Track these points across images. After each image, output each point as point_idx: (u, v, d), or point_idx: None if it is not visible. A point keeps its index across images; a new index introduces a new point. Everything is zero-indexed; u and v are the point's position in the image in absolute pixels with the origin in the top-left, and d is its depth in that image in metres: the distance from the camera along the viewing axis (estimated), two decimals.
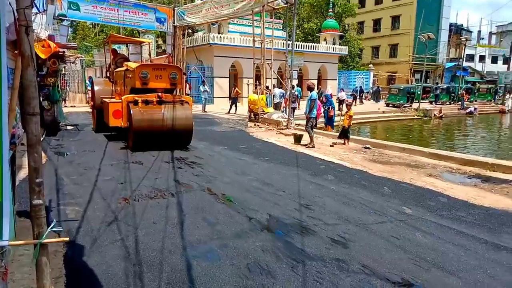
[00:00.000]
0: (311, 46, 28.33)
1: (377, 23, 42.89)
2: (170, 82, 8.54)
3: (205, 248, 3.42)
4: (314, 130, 10.12)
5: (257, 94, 15.73)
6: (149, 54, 16.57)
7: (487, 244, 3.67)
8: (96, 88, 11.15)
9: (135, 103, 8.04)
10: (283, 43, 24.82)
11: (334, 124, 14.29)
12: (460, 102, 30.93)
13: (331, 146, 10.06)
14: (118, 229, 3.86)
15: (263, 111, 15.40)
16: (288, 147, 9.67)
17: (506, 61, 55.48)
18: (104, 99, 9.82)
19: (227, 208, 4.52)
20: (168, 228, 3.89)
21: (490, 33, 65.22)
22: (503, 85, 37.12)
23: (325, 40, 30.68)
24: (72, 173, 6.15)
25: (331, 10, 31.67)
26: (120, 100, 8.58)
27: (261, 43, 16.10)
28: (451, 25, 45.96)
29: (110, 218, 4.16)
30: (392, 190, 5.65)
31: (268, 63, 16.17)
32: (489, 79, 48.94)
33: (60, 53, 10.97)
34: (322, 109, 13.10)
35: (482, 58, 53.13)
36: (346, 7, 34.50)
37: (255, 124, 14.47)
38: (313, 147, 9.60)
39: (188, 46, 22.40)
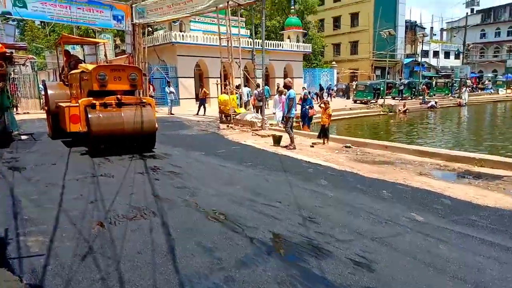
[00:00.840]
0: (275, 44, 28.05)
1: (337, 21, 43.50)
2: (130, 83, 8.20)
3: (207, 285, 2.82)
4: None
5: (227, 94, 15.12)
6: (105, 55, 15.48)
7: None
8: (50, 92, 10.39)
9: (93, 106, 7.69)
10: (248, 41, 24.38)
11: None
12: (421, 97, 31.95)
13: (312, 146, 9.69)
14: (96, 264, 3.16)
15: (235, 111, 14.82)
16: (268, 149, 9.17)
17: (458, 56, 58.45)
18: (59, 104, 9.31)
19: (222, 227, 3.93)
20: (157, 259, 3.24)
21: (442, 30, 68.59)
22: (459, 79, 38.82)
23: (288, 38, 30.53)
24: (32, 192, 5.28)
25: (292, 7, 31.58)
26: (77, 104, 8.09)
27: (228, 41, 15.50)
28: (406, 22, 47.56)
29: (83, 249, 3.44)
30: (391, 193, 5.30)
31: (236, 62, 15.60)
32: (444, 73, 51.27)
33: (7, 54, 9.80)
34: (299, 108, 12.76)
35: (436, 54, 55.60)
36: (307, 4, 34.58)
37: (227, 126, 13.86)
38: (294, 148, 9.17)
39: (149, 45, 21.31)
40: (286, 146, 9.38)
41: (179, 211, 4.44)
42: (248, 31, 27.61)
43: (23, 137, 10.66)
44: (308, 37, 34.22)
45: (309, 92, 23.14)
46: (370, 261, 3.16)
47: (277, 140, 9.81)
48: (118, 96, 7.93)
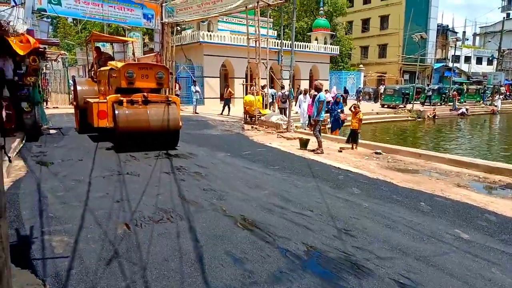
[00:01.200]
0: (303, 45, 27.68)
1: (366, 23, 42.63)
2: (157, 81, 8.40)
3: None
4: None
5: (253, 94, 14.93)
6: (133, 53, 15.63)
7: None
8: (79, 88, 10.65)
9: (120, 103, 7.88)
10: (274, 42, 24.16)
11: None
12: (451, 103, 30.83)
13: (340, 151, 9.36)
14: (121, 269, 3.01)
15: (260, 112, 14.62)
16: (294, 152, 8.91)
17: (490, 62, 56.32)
18: (87, 99, 9.48)
19: (251, 235, 3.72)
20: (184, 267, 3.06)
21: (475, 34, 66.15)
22: (491, 86, 37.31)
23: (316, 39, 30.10)
24: (58, 188, 5.24)
25: (321, 8, 31.12)
26: (105, 100, 8.29)
27: (256, 42, 15.31)
28: (438, 25, 46.13)
29: (109, 253, 3.31)
30: (430, 206, 4.95)
31: (263, 63, 15.40)
32: (475, 79, 49.45)
33: (40, 49, 9.93)
34: (332, 112, 12.32)
35: (467, 59, 53.68)
36: (337, 5, 34.02)
37: (252, 127, 13.67)
38: (322, 152, 8.88)
39: (177, 44, 21.41)
40: (313, 150, 9.10)
41: (206, 216, 4.26)
42: (275, 31, 27.41)
43: (51, 131, 10.81)
44: (336, 39, 33.67)
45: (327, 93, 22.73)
46: (416, 283, 2.87)
47: (304, 144, 9.53)
48: (145, 93, 8.13)
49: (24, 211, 4.23)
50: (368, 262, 3.19)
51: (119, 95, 8.01)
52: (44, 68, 17.70)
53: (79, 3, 18.02)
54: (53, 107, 19.40)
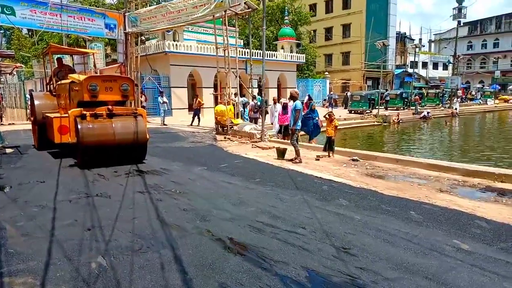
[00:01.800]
0: (269, 54, 27.72)
1: (329, 31, 43.58)
2: (122, 94, 8.16)
3: None
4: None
5: (224, 104, 14.60)
6: (94, 65, 14.88)
7: None
8: (36, 102, 10.06)
9: (83, 117, 7.54)
10: (242, 51, 24.00)
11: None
12: (413, 107, 31.93)
13: (317, 159, 9.20)
14: None
15: (232, 122, 14.30)
16: (273, 163, 8.65)
17: (446, 67, 59.30)
18: (47, 114, 9.05)
19: (245, 261, 3.37)
20: None
21: (430, 41, 69.57)
22: (449, 89, 39.12)
23: (282, 48, 30.28)
24: (18, 217, 4.65)
25: (286, 17, 31.41)
26: (67, 115, 8.02)
27: (224, 51, 15.06)
28: (396, 33, 47.99)
29: None
30: (421, 215, 4.82)
31: (233, 72, 15.15)
32: (433, 84, 51.80)
33: None
34: (309, 120, 12.07)
35: (424, 65, 56.20)
36: (301, 15, 34.50)
37: (225, 137, 13.31)
38: (300, 162, 8.68)
39: (142, 54, 20.72)
40: (291, 160, 8.88)
41: (191, 241, 3.87)
42: (242, 41, 27.32)
43: (8, 150, 9.94)
44: (301, 47, 34.07)
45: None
46: None
47: (281, 153, 9.30)
48: (109, 106, 7.85)
49: None
50: (377, 286, 2.93)
51: (81, 109, 7.64)
52: None
53: (35, 13, 16.99)
54: (9, 124, 18.10)
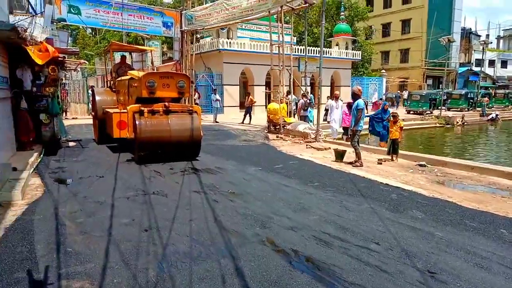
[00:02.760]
0: (324, 51, 26.89)
1: (386, 27, 41.58)
2: (178, 91, 8.11)
3: None
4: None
5: (277, 102, 14.24)
6: (152, 62, 15.22)
7: None
8: (97, 98, 10.30)
9: (141, 113, 7.59)
10: (296, 48, 23.48)
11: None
12: (479, 108, 29.46)
13: (379, 163, 8.55)
14: None
15: (285, 121, 13.90)
16: (331, 165, 8.14)
17: None
18: (106, 110, 9.24)
19: (315, 281, 2.97)
20: None
21: (499, 37, 64.08)
22: None
23: (337, 44, 29.32)
24: (78, 213, 4.62)
25: (342, 13, 30.34)
26: (125, 111, 8.05)
27: (279, 48, 14.67)
28: (461, 29, 44.73)
29: None
30: None
31: (287, 69, 14.74)
32: (502, 83, 47.68)
33: (60, 58, 9.51)
34: (378, 121, 11.23)
35: (491, 63, 51.90)
36: (358, 10, 33.19)
37: (277, 136, 12.95)
38: (361, 165, 8.08)
39: (196, 52, 20.96)
40: (351, 163, 8.31)
41: (252, 251, 3.54)
42: (295, 38, 26.78)
43: (70, 143, 10.35)
44: (357, 44, 32.78)
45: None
46: None
47: (340, 155, 8.76)
48: (166, 103, 7.83)
49: (38, 245, 3.61)
50: None
51: (139, 105, 7.71)
52: (64, 78, 17.46)
53: (98, 12, 17.80)
54: (72, 118, 19.15)
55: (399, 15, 40.27)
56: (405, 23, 40.03)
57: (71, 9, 16.86)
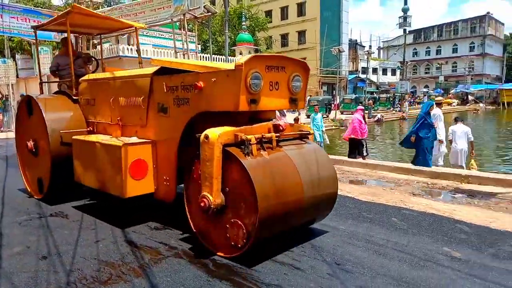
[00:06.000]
0: (228, 59, 27.43)
1: (285, 38, 44.25)
2: (290, 97, 4.00)
3: None
4: None
5: None
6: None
7: None
8: (47, 115, 5.31)
9: (241, 145, 3.40)
10: (201, 56, 23.51)
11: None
12: (367, 111, 33.09)
13: None
14: None
15: None
16: None
17: (394, 72, 62.46)
18: (79, 138, 5.05)
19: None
20: None
21: (379, 48, 73.00)
22: (399, 94, 41.11)
23: (241, 53, 30.18)
24: None
25: (244, 23, 31.41)
26: (139, 140, 4.38)
27: (184, 56, 14.58)
28: (349, 40, 49.84)
29: None
30: (403, 221, 4.72)
31: None
32: (384, 89, 54.26)
33: None
34: None
35: (374, 70, 58.78)
36: (258, 21, 34.69)
37: None
38: None
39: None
40: None
41: (168, 265, 3.43)
42: (199, 46, 26.79)
43: None
44: (259, 53, 34.20)
45: None
46: None
47: None
48: (277, 122, 3.91)
49: None
50: None
51: (234, 128, 3.48)
52: None
53: None
54: None
55: (295, 27, 43.25)
56: (301, 34, 43.16)
57: None
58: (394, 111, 38.51)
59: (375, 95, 42.07)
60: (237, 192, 3.32)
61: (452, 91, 57.08)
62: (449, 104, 49.41)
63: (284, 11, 44.23)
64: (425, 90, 58.68)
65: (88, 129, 5.49)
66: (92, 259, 3.58)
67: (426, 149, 8.54)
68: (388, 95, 42.48)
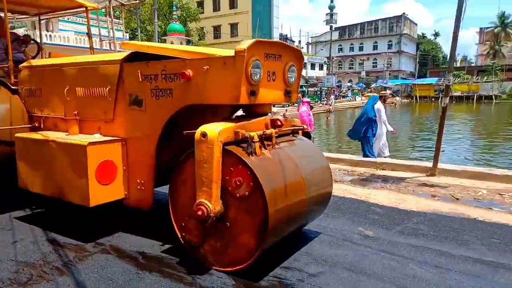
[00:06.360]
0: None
1: (217, 30, 44.01)
2: (285, 88, 3.68)
3: None
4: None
5: None
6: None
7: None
8: None
9: (241, 144, 3.02)
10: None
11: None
12: (297, 104, 34.48)
13: None
14: None
15: None
16: None
17: (321, 67, 65.53)
18: (23, 136, 4.26)
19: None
20: None
21: (308, 43, 75.94)
22: (326, 88, 43.35)
23: (172, 43, 29.39)
24: None
25: (174, 13, 30.61)
26: (101, 139, 3.72)
27: (110, 44, 13.83)
28: (279, 35, 51.13)
29: None
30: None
31: None
32: (312, 83, 56.76)
33: None
34: None
35: (304, 65, 61.11)
36: (190, 11, 34.03)
37: None
38: None
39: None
40: None
41: (93, 261, 3.35)
42: (127, 34, 25.58)
43: None
44: (191, 44, 33.62)
45: None
46: None
47: None
48: (274, 116, 3.59)
49: None
50: (304, 284, 2.94)
51: (234, 124, 3.10)
52: None
53: None
54: None
55: (227, 19, 43.23)
56: (233, 27, 43.29)
57: None
58: (321, 104, 40.53)
59: (304, 88, 43.83)
60: (240, 197, 2.91)
61: (372, 85, 61.62)
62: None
63: (216, 2, 43.97)
64: (348, 84, 62.58)
65: (33, 124, 4.64)
66: (9, 261, 3.36)
67: (369, 141, 9.04)
68: (316, 89, 44.55)
